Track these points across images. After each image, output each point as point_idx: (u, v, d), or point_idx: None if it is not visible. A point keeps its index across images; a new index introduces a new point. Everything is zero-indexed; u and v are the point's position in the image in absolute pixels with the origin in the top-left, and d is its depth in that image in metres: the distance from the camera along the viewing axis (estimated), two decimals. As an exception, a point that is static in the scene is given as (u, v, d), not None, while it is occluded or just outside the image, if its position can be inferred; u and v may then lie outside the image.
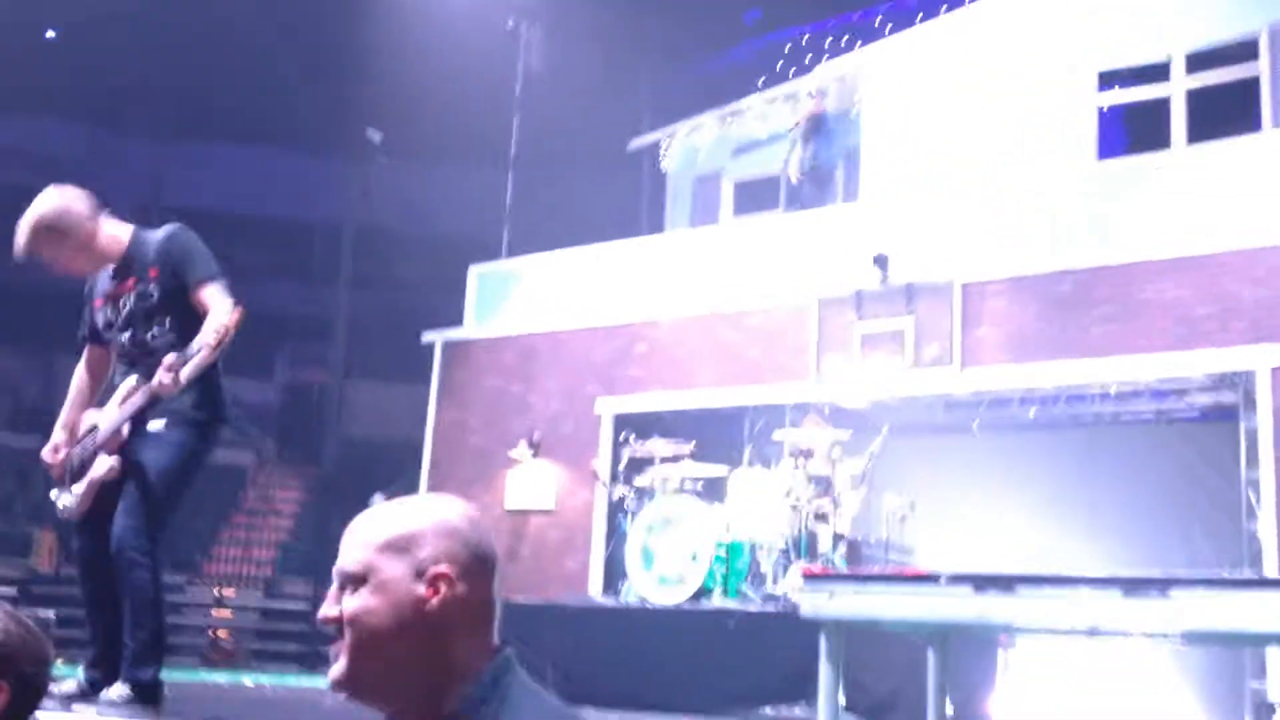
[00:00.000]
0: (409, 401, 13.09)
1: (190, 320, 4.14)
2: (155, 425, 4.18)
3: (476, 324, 12.64)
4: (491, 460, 11.94)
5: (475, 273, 12.96)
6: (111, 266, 4.32)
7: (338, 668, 1.74)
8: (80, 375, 4.52)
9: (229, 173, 19.62)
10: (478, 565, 1.76)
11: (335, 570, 1.77)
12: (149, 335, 4.25)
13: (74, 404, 4.47)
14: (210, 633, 14.85)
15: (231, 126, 19.22)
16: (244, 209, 18.74)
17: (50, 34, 19.15)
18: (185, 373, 3.96)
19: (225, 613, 15.32)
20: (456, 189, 17.89)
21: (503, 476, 11.81)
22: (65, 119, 18.01)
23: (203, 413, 4.27)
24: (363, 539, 1.77)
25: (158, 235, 4.31)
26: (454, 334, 12.65)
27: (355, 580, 1.74)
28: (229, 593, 15.51)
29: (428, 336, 12.75)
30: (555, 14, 15.61)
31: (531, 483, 11.65)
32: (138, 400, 4.16)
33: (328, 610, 1.76)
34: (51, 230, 4.17)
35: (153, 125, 18.93)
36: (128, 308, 4.29)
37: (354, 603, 1.73)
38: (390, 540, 1.75)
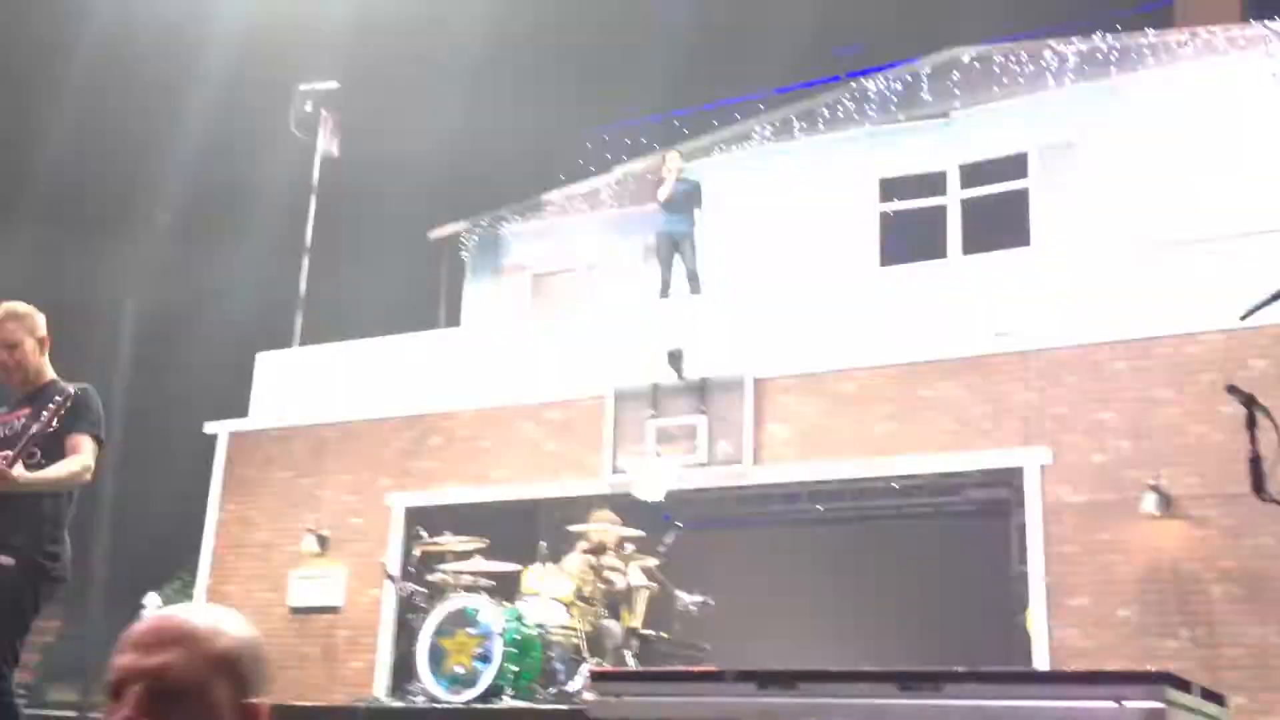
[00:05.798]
0: (186, 493, 12.45)
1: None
2: (5, 559, 4.27)
3: (263, 414, 12.19)
4: (277, 556, 11.47)
5: (263, 360, 12.55)
6: (22, 394, 4.62)
7: None
8: None
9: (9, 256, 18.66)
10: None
11: (149, 672, 1.53)
12: (19, 461, 4.30)
13: None
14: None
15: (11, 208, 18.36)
16: (22, 293, 17.77)
17: None
18: (21, 472, 4.12)
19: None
20: (247, 274, 17.41)
21: (287, 574, 11.35)
22: None
23: (46, 562, 4.36)
24: (190, 647, 1.56)
25: (70, 387, 4.56)
26: (240, 424, 12.17)
27: (180, 694, 1.53)
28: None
29: (210, 427, 12.21)
30: (352, 99, 15.50)
31: (318, 580, 11.23)
32: None
33: None
34: (14, 321, 4.57)
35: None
36: (12, 429, 4.49)
37: None
38: (221, 656, 1.57)
